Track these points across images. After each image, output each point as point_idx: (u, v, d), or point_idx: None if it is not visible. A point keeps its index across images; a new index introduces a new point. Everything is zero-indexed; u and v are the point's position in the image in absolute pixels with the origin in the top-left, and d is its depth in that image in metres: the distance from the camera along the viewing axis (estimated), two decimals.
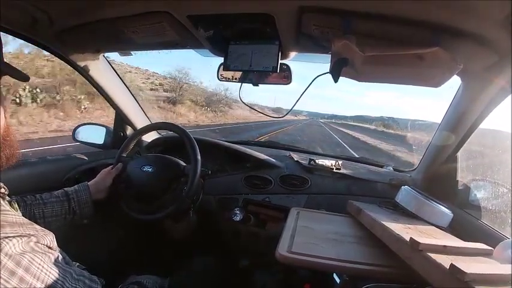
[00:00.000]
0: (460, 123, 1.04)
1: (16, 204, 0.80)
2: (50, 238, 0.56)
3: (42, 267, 0.49)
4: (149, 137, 1.62)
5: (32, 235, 0.51)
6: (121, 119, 1.53)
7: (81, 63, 1.23)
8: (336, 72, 0.81)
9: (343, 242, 0.87)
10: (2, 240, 0.46)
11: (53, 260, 0.53)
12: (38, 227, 0.56)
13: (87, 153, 1.40)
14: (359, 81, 0.88)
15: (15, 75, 0.64)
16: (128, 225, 1.28)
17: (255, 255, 1.31)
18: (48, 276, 0.50)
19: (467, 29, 0.68)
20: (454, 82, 0.96)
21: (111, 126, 1.55)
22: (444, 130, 1.12)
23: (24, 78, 0.66)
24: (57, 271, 0.52)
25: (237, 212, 1.29)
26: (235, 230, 1.33)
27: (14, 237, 0.47)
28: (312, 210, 1.14)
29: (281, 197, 1.35)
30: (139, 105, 1.59)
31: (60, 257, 0.57)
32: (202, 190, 1.26)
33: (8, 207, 0.58)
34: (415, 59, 0.73)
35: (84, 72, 1.27)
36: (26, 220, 0.56)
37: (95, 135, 1.51)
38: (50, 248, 0.55)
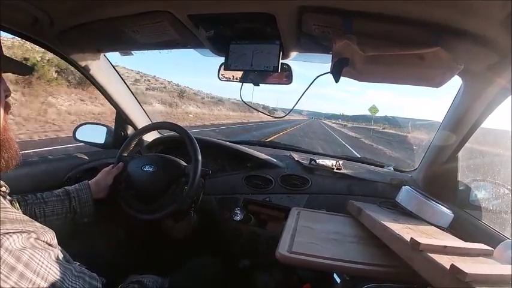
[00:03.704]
0: (460, 123, 1.04)
1: (17, 203, 0.80)
2: (50, 235, 0.56)
3: (42, 263, 0.49)
4: (150, 137, 1.62)
5: (32, 231, 0.51)
6: (122, 119, 1.53)
7: (82, 63, 1.23)
8: (336, 72, 0.81)
9: (344, 242, 0.87)
10: (2, 236, 0.45)
11: (53, 257, 0.53)
12: (38, 224, 0.56)
13: (87, 152, 1.41)
14: (360, 81, 0.88)
15: (16, 70, 0.63)
16: (128, 224, 1.29)
17: (256, 255, 1.32)
18: (48, 272, 0.50)
19: (468, 29, 0.68)
20: (455, 82, 0.96)
21: (112, 125, 1.56)
22: (445, 130, 1.12)
23: (26, 71, 0.65)
24: (57, 267, 0.52)
25: (238, 211, 1.29)
26: (235, 229, 1.34)
27: (14, 233, 0.47)
28: (312, 210, 1.14)
29: (282, 197, 1.35)
30: (140, 105, 1.59)
31: (60, 254, 0.57)
32: (202, 190, 1.26)
33: (8, 205, 0.58)
34: (416, 59, 0.73)
35: (85, 71, 1.27)
36: (26, 217, 0.56)
37: (96, 135, 1.51)
38: (50, 245, 0.55)
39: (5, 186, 0.63)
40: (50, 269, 0.50)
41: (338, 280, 0.81)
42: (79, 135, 1.49)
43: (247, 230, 1.33)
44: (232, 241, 1.35)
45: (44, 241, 0.53)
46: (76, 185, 1.03)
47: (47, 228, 0.57)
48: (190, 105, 26.33)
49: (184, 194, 1.10)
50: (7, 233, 0.46)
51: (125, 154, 1.23)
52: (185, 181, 1.13)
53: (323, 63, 1.01)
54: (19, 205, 0.81)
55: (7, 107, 0.60)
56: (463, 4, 0.62)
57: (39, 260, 0.49)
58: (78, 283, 0.56)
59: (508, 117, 0.93)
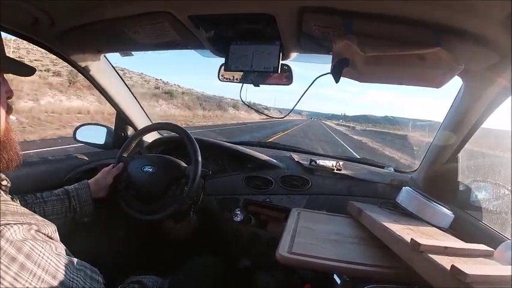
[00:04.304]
0: (461, 123, 1.04)
1: (18, 202, 0.80)
2: (51, 229, 0.56)
3: (44, 254, 0.49)
4: (150, 137, 1.62)
5: (33, 224, 0.51)
6: (122, 119, 1.53)
7: (82, 64, 1.23)
8: (337, 73, 0.81)
9: (344, 243, 0.87)
10: (3, 227, 0.45)
11: (54, 249, 0.52)
12: (38, 217, 0.56)
13: (87, 153, 1.41)
14: (360, 81, 0.88)
15: (18, 71, 0.63)
16: (128, 225, 1.28)
17: (256, 256, 1.31)
18: (50, 264, 0.49)
19: (468, 29, 0.68)
20: (456, 82, 0.96)
21: (112, 126, 1.56)
22: (445, 130, 1.11)
23: (28, 72, 0.65)
24: (59, 260, 0.52)
25: (238, 212, 1.29)
26: (235, 230, 1.34)
27: (15, 224, 0.47)
28: (312, 211, 1.14)
29: (282, 198, 1.35)
30: (140, 106, 1.59)
31: (62, 247, 0.57)
32: (203, 191, 1.26)
33: (9, 198, 0.58)
34: (416, 59, 0.73)
35: (85, 72, 1.27)
36: (27, 210, 0.55)
37: (96, 135, 1.51)
38: (50, 238, 0.55)
39: (6, 180, 0.63)
40: (51, 260, 0.50)
41: (338, 281, 0.81)
42: (79, 135, 1.49)
43: (247, 231, 1.33)
44: (232, 242, 1.35)
45: (44, 233, 0.53)
46: (75, 184, 1.04)
47: (47, 222, 0.57)
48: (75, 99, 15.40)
49: (184, 195, 1.10)
50: (8, 224, 0.46)
51: (125, 154, 1.23)
52: (185, 182, 1.14)
53: (323, 63, 1.01)
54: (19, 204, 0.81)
55: (9, 109, 0.60)
56: (463, 4, 0.62)
57: (40, 252, 0.49)
58: (79, 275, 0.56)
59: (508, 117, 0.93)
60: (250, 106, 1.50)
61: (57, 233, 0.58)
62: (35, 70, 0.67)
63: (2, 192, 0.57)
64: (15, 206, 0.54)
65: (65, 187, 1.01)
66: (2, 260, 0.43)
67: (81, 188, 1.02)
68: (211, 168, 1.34)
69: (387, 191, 1.30)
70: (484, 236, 0.95)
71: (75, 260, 0.58)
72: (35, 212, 0.86)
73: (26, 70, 0.65)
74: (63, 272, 0.52)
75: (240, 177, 1.44)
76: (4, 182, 0.62)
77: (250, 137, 13.55)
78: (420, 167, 1.36)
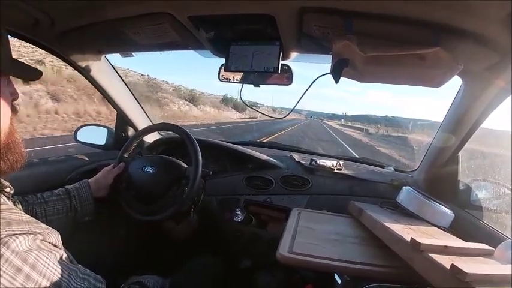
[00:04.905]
0: (461, 123, 1.04)
1: (20, 205, 0.81)
2: (55, 236, 0.56)
3: (48, 265, 0.49)
4: (151, 138, 1.62)
5: (38, 233, 0.51)
6: (122, 120, 1.53)
7: (82, 64, 1.23)
8: (336, 73, 0.81)
9: (344, 243, 0.87)
10: (9, 238, 0.45)
11: (58, 258, 0.53)
12: (43, 225, 0.56)
13: (88, 154, 1.41)
14: (360, 81, 0.88)
15: (24, 74, 0.63)
16: (129, 224, 1.28)
17: (257, 256, 1.32)
18: (54, 274, 0.50)
19: (468, 28, 0.68)
20: (455, 82, 0.96)
21: (113, 127, 1.56)
22: (445, 130, 1.12)
23: (35, 76, 0.65)
24: (63, 269, 0.52)
25: (238, 212, 1.29)
26: (236, 230, 1.34)
27: (20, 234, 0.47)
28: (313, 211, 1.14)
29: (282, 198, 1.35)
30: (141, 106, 1.59)
31: (65, 255, 0.57)
32: (203, 191, 1.26)
33: (13, 206, 0.58)
34: (416, 59, 0.73)
35: (85, 73, 1.27)
36: (31, 218, 0.55)
37: (96, 136, 1.52)
38: (55, 246, 0.55)
39: (10, 187, 0.63)
40: (56, 270, 0.50)
41: (339, 280, 0.81)
42: (80, 136, 1.49)
43: (248, 231, 1.33)
44: (233, 242, 1.35)
45: (49, 242, 0.53)
46: (76, 183, 1.04)
47: (52, 230, 0.57)
48: None
49: (185, 196, 1.10)
50: (13, 235, 0.46)
51: (126, 155, 1.23)
52: (186, 182, 1.14)
53: (323, 63, 1.01)
54: (21, 206, 0.82)
55: (14, 110, 0.60)
56: (463, 4, 0.62)
57: (45, 262, 0.49)
58: (83, 285, 0.56)
59: (508, 117, 0.94)
60: (247, 104, 1.50)
61: (60, 240, 0.58)
62: (41, 73, 0.67)
63: (5, 199, 0.57)
64: (20, 214, 0.54)
65: (65, 186, 1.01)
66: (8, 271, 0.43)
67: (81, 187, 1.02)
68: (212, 169, 1.34)
69: (388, 190, 1.30)
70: (484, 235, 0.95)
71: (79, 268, 0.58)
72: (36, 213, 0.87)
73: (33, 73, 0.64)
74: (68, 282, 0.52)
75: (240, 177, 1.44)
76: (7, 189, 0.62)
77: None
78: (420, 166, 1.36)
